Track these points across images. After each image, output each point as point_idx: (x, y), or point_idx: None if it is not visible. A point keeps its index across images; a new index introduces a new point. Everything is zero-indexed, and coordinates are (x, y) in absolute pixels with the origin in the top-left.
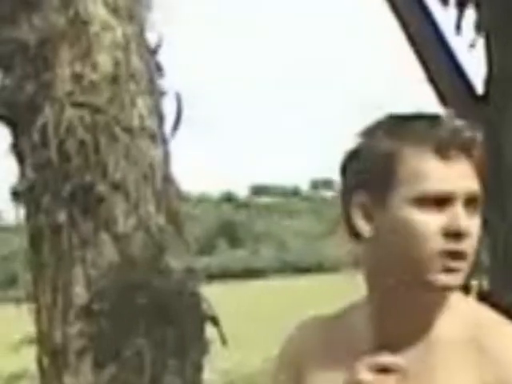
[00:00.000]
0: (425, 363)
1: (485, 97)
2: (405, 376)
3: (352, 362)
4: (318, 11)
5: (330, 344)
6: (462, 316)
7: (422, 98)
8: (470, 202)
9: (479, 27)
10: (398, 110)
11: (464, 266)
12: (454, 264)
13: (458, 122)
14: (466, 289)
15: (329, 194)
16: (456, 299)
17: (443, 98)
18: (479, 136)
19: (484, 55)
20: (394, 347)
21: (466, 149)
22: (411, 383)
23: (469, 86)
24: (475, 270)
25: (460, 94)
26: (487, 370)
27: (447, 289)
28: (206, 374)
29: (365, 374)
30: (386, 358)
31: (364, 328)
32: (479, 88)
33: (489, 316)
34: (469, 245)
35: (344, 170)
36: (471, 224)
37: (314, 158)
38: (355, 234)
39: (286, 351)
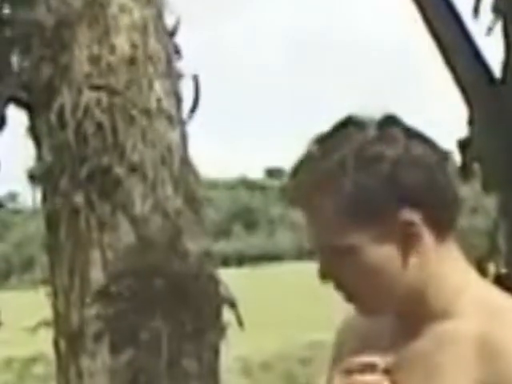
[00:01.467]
0: (434, 358)
1: (503, 80)
2: (412, 370)
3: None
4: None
5: (363, 337)
6: (476, 306)
7: (440, 82)
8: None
9: (497, 11)
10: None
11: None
12: None
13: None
14: (483, 272)
15: None
16: (473, 285)
17: (460, 82)
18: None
19: (502, 39)
20: (408, 342)
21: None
22: (419, 378)
23: (486, 70)
24: (492, 253)
25: (477, 78)
26: (491, 365)
27: None
28: (224, 358)
29: (337, 381)
30: (361, 359)
31: (387, 323)
32: (497, 72)
33: (501, 305)
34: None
35: None
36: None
37: None
38: None
39: (333, 342)
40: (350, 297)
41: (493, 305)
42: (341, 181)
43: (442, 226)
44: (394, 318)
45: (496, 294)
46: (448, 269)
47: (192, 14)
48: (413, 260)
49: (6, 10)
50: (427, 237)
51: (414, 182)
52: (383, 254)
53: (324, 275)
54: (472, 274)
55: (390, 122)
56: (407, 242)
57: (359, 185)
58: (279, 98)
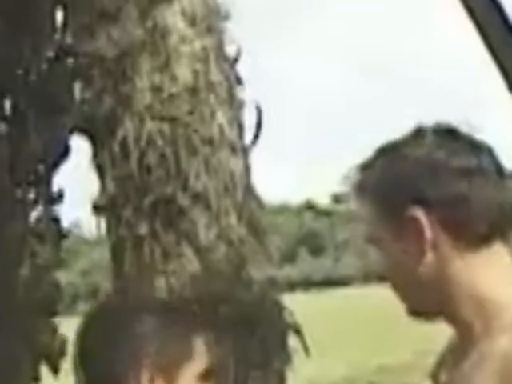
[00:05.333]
0: (470, 380)
1: None
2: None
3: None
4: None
5: (451, 355)
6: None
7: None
8: None
9: None
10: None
11: None
12: None
13: None
14: None
15: None
16: None
17: None
18: None
19: None
20: (458, 363)
21: None
22: None
23: None
24: None
25: None
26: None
27: None
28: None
29: None
30: None
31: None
32: None
33: None
34: None
35: None
36: None
37: None
38: None
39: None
40: (398, 296)
41: None
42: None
43: (462, 229)
44: (457, 337)
45: None
46: (481, 278)
47: (251, 41)
48: (427, 259)
49: (68, 41)
50: (439, 237)
51: (426, 181)
52: (400, 248)
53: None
54: None
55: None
56: (415, 238)
57: (381, 181)
58: (341, 123)
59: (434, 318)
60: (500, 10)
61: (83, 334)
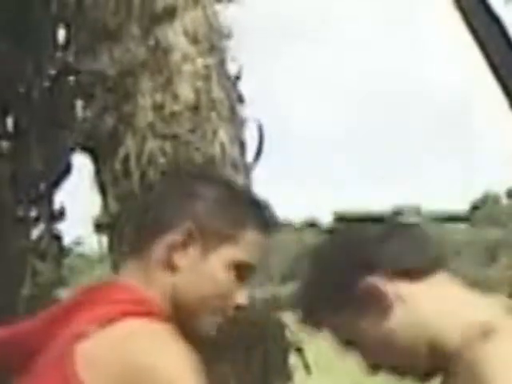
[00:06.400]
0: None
1: None
2: None
3: None
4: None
5: None
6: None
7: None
8: None
9: None
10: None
11: None
12: None
13: None
14: None
15: (412, 220)
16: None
17: None
18: None
19: None
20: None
21: None
22: None
23: None
24: None
25: None
26: None
27: None
28: None
29: None
30: None
31: None
32: None
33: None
34: None
35: None
36: None
37: (394, 185)
38: None
39: None
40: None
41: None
42: None
43: None
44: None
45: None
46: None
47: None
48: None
49: (70, 59)
50: None
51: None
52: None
53: None
54: None
55: None
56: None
57: None
58: (347, 140)
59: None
60: (504, 31)
61: None
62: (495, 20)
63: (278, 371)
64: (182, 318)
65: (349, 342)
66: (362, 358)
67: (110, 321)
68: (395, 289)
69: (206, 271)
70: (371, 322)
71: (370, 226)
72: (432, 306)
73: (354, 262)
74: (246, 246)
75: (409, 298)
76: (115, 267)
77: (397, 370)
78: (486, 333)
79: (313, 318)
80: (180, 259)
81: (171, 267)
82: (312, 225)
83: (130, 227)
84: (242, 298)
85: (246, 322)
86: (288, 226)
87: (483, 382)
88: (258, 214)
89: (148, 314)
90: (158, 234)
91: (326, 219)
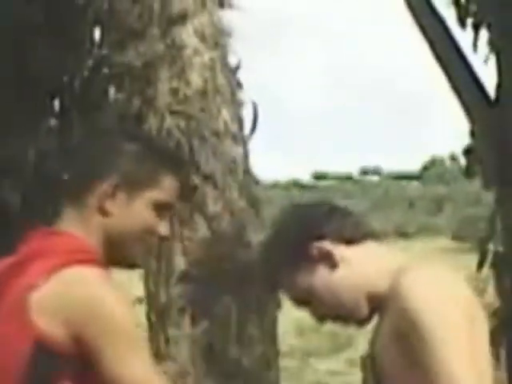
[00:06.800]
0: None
1: (496, 101)
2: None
3: None
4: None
5: None
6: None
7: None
8: None
9: (491, 45)
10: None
11: None
12: None
13: None
14: (484, 251)
15: (375, 178)
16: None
17: (465, 104)
18: None
19: (495, 68)
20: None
21: None
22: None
23: (484, 94)
24: (491, 235)
25: (477, 100)
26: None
27: None
28: (280, 324)
29: None
30: None
31: None
32: (492, 95)
33: (409, 265)
34: None
35: None
36: None
37: (361, 152)
38: None
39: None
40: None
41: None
42: None
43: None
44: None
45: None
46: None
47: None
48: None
49: (104, 53)
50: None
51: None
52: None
53: None
54: None
55: None
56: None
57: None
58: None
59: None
60: (447, 31)
61: None
62: (440, 21)
63: (270, 301)
64: (115, 250)
65: (301, 299)
66: (313, 311)
67: (59, 270)
68: (339, 251)
69: (133, 212)
70: (321, 278)
71: (318, 204)
72: (366, 263)
73: (309, 231)
74: (164, 189)
75: (349, 259)
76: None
77: (341, 318)
78: (404, 271)
79: (273, 278)
80: (111, 206)
81: (104, 213)
82: (296, 184)
83: (65, 180)
84: (163, 230)
85: (244, 262)
86: (277, 184)
87: (406, 308)
88: (172, 161)
89: (91, 261)
90: (90, 186)
91: (306, 178)
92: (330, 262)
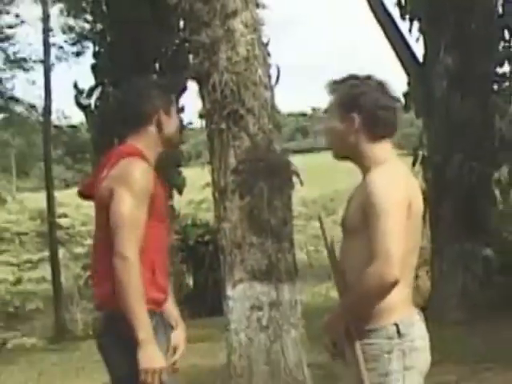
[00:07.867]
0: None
1: (424, 63)
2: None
3: None
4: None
5: None
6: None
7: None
8: None
9: (420, 30)
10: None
11: None
12: None
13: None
14: (416, 156)
15: None
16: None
17: (404, 65)
18: None
19: (423, 44)
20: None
21: None
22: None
23: (416, 60)
24: (420, 147)
25: (412, 63)
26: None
27: None
28: (293, 199)
29: None
30: None
31: None
32: (421, 60)
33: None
34: None
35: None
36: None
37: None
38: None
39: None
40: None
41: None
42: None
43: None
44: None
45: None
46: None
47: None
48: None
49: (186, 34)
50: (361, 128)
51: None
52: (342, 127)
53: None
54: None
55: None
56: (351, 125)
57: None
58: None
59: (348, 160)
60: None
61: None
62: (390, 15)
63: (286, 184)
64: (167, 143)
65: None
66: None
67: (117, 162)
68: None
69: (172, 124)
70: (345, 129)
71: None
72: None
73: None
74: (173, 111)
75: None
76: (209, 136)
77: (346, 158)
78: (384, 160)
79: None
80: (164, 121)
81: (160, 127)
82: (303, 114)
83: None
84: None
85: (272, 161)
86: (291, 114)
87: (370, 190)
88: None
89: (139, 155)
90: (147, 119)
91: (308, 111)
92: (351, 128)
